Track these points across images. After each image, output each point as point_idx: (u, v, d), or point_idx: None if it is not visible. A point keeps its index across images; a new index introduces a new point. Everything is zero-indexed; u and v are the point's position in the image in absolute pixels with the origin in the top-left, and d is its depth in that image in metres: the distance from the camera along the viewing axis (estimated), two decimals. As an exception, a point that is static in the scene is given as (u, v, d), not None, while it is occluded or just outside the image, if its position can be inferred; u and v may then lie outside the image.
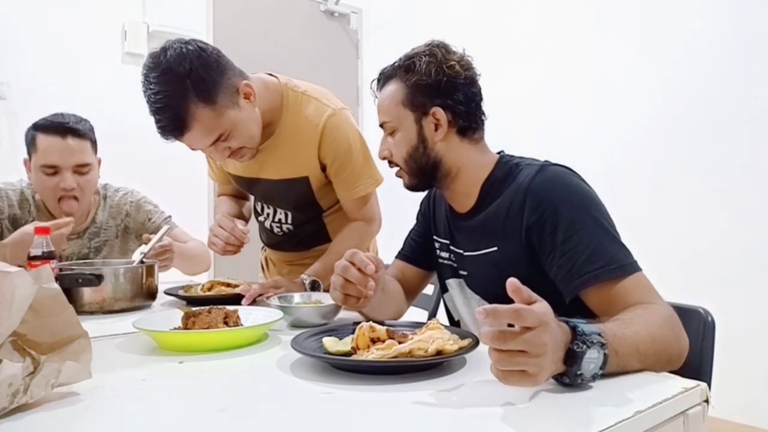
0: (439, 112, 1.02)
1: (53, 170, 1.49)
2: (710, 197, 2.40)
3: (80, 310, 1.20)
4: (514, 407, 0.61)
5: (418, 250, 1.23)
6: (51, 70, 2.69)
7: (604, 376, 0.67)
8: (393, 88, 1.05)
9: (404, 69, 1.04)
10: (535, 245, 0.94)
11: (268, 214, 1.54)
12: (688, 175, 2.46)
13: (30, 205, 1.58)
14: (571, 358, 0.64)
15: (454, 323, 1.18)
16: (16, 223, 1.55)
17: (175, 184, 2.88)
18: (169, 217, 1.76)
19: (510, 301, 0.64)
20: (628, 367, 0.72)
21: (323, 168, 1.39)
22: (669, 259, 2.43)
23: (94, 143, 1.57)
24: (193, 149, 1.25)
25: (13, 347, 0.60)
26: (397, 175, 1.10)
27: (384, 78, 1.08)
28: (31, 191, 1.61)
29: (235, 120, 1.21)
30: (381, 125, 1.08)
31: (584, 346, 0.64)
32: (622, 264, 0.86)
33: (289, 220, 1.50)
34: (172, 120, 1.15)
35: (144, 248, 1.41)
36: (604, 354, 0.66)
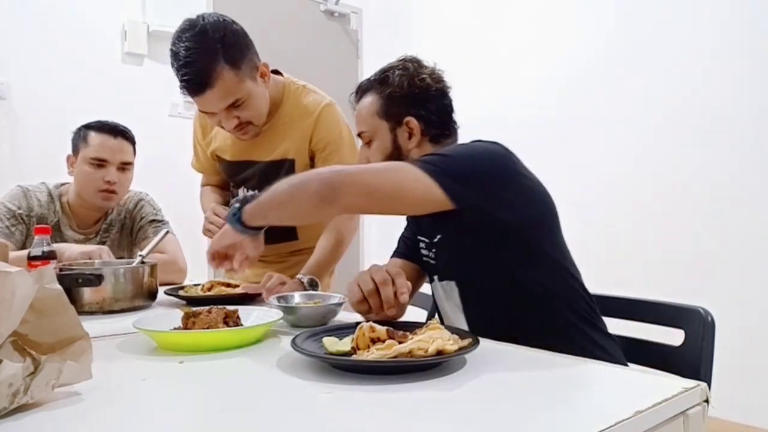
0: (413, 122, 1.08)
1: (100, 164, 1.66)
2: (710, 197, 2.40)
3: (80, 310, 1.20)
4: (513, 407, 0.61)
5: (412, 247, 1.24)
6: (51, 70, 2.69)
7: (610, 377, 0.67)
8: (369, 99, 1.12)
9: (379, 82, 1.11)
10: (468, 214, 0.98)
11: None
12: (688, 175, 2.46)
13: (55, 206, 1.68)
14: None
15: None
16: (41, 223, 1.63)
17: (174, 184, 2.87)
18: (164, 222, 1.79)
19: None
20: (275, 206, 0.99)
21: (312, 158, 1.48)
22: (669, 259, 2.43)
23: (135, 149, 1.76)
24: (206, 112, 1.34)
25: (13, 347, 0.60)
26: None
27: (361, 91, 1.15)
28: (58, 193, 1.71)
29: (252, 91, 1.34)
30: (359, 134, 1.15)
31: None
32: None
33: None
34: (197, 75, 1.24)
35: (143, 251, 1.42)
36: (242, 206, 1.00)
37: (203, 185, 1.76)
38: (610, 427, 0.54)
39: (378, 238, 3.77)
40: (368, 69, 3.93)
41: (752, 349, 2.21)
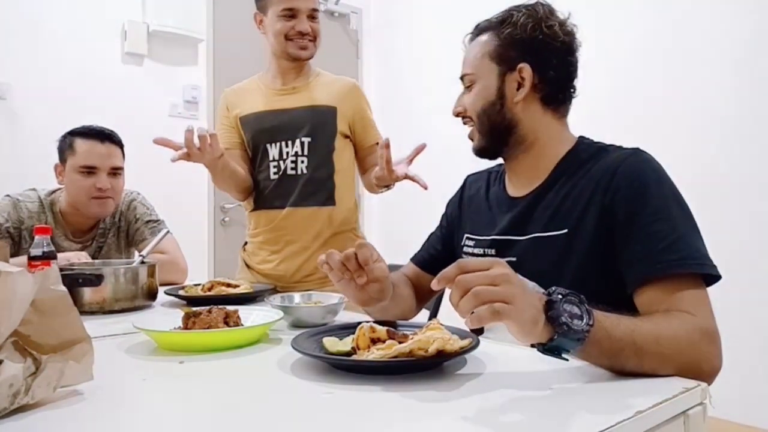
0: (526, 70, 0.95)
1: (90, 171, 1.61)
2: (710, 196, 2.40)
3: (81, 310, 1.17)
4: (514, 408, 0.61)
5: (438, 258, 1.17)
6: (51, 70, 2.69)
7: (611, 379, 0.67)
8: (484, 39, 0.99)
9: (500, 21, 0.98)
10: (611, 229, 0.87)
11: (287, 153, 1.59)
12: (688, 173, 2.46)
13: (47, 217, 1.63)
14: (551, 306, 0.65)
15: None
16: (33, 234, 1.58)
17: (174, 184, 2.88)
18: (159, 221, 1.77)
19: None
20: (622, 356, 0.69)
21: (349, 125, 1.64)
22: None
23: (123, 151, 1.70)
24: (290, 8, 1.53)
25: (14, 348, 0.60)
26: (470, 136, 1.04)
27: (478, 30, 1.02)
28: (50, 201, 1.66)
29: (320, 19, 1.60)
30: (461, 78, 1.03)
31: (560, 296, 0.66)
32: (703, 263, 0.81)
33: (305, 151, 1.58)
34: None
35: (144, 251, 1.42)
36: (587, 311, 0.66)
37: None
38: (611, 427, 0.54)
39: (380, 240, 3.78)
40: (368, 69, 3.93)
41: (752, 349, 2.21)
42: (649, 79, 2.61)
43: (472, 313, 0.62)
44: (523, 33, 0.95)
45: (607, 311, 0.70)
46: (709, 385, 0.72)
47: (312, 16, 1.57)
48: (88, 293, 1.22)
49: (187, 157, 1.35)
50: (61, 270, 1.22)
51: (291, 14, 1.55)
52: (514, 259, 0.98)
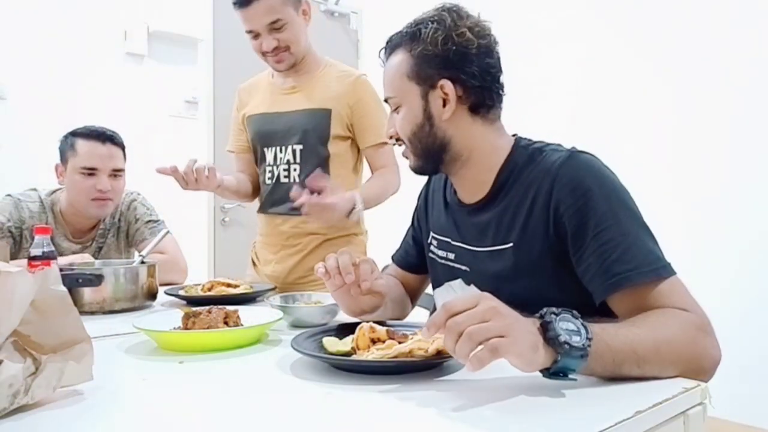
0: (448, 86, 0.91)
1: (91, 172, 1.60)
2: (710, 196, 2.40)
3: (81, 310, 1.18)
4: (514, 408, 0.61)
5: (414, 255, 1.18)
6: (51, 70, 2.69)
7: (610, 379, 0.67)
8: (398, 59, 0.95)
9: (410, 37, 0.94)
10: (562, 240, 0.86)
11: (280, 159, 1.59)
12: (688, 173, 2.46)
13: (47, 217, 1.63)
14: (547, 327, 0.64)
15: None
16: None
17: (175, 184, 2.87)
18: (159, 222, 1.77)
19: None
20: (624, 367, 0.68)
21: (348, 125, 1.58)
22: (668, 258, 2.43)
23: (125, 153, 1.70)
24: (249, 30, 1.48)
25: (14, 347, 0.60)
26: (404, 155, 1.01)
27: (390, 47, 0.98)
28: (50, 201, 1.66)
29: (292, 20, 1.48)
30: (386, 100, 0.99)
31: (554, 316, 0.65)
32: (657, 267, 0.79)
33: (298, 159, 1.56)
34: None
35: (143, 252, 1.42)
36: (583, 325, 0.65)
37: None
38: (610, 427, 0.54)
39: (381, 241, 3.77)
40: (368, 69, 3.94)
41: (752, 349, 2.21)
42: (646, 78, 2.61)
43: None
44: (435, 48, 0.90)
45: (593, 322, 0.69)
46: (712, 376, 0.73)
47: (273, 28, 1.47)
48: (88, 293, 1.22)
49: (185, 184, 1.41)
50: (61, 270, 1.23)
51: (253, 36, 1.50)
52: (468, 269, 0.99)
